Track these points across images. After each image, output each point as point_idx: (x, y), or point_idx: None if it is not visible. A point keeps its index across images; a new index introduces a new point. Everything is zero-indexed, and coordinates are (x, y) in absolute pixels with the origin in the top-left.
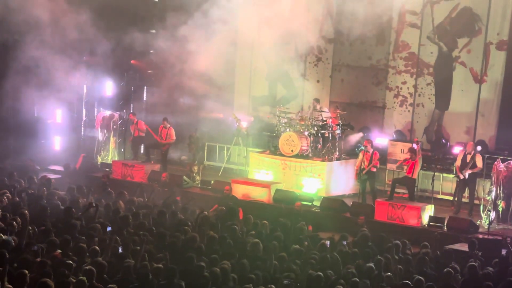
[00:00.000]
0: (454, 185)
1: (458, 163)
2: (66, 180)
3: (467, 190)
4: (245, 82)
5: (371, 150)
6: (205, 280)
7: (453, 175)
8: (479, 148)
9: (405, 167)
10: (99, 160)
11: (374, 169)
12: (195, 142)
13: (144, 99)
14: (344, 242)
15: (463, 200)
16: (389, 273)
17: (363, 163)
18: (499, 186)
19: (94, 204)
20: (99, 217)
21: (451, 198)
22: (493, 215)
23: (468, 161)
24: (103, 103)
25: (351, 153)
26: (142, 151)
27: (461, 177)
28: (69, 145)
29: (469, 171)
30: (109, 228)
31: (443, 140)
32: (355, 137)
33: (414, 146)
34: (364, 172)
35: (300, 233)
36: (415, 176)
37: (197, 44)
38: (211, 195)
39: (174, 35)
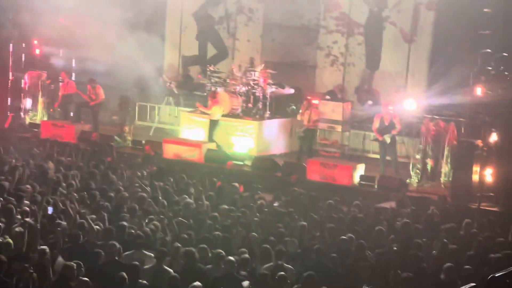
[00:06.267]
0: None
1: (376, 126)
2: None
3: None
4: (175, 42)
5: (310, 109)
6: (137, 239)
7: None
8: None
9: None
10: (27, 120)
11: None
12: (125, 102)
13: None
14: (276, 203)
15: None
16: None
17: (302, 121)
18: (428, 144)
19: (21, 164)
20: (28, 178)
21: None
22: (422, 173)
23: (386, 123)
24: (31, 62)
25: (282, 112)
26: (72, 111)
27: (381, 139)
28: None
29: (391, 135)
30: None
31: (370, 102)
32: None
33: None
34: (302, 130)
35: (232, 192)
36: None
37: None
38: (142, 154)
39: None
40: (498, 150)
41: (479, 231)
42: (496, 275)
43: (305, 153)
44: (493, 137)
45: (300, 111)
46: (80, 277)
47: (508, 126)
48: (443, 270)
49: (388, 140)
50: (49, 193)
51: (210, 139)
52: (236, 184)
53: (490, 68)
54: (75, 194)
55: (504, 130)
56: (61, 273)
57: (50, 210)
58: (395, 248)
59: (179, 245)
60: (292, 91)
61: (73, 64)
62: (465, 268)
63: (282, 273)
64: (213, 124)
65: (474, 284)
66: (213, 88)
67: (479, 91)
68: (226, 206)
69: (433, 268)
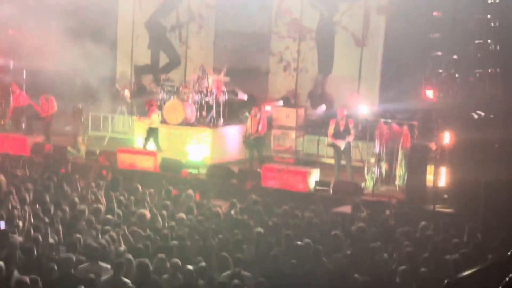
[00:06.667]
0: None
1: (331, 131)
2: None
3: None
4: (127, 51)
5: (259, 116)
6: (93, 251)
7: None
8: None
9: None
10: None
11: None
12: (78, 113)
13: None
14: (232, 211)
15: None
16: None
17: (251, 129)
18: (382, 148)
19: None
20: None
21: None
22: (377, 176)
23: (341, 129)
24: None
25: (236, 120)
26: (23, 123)
27: (338, 145)
28: None
29: (346, 140)
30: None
31: (323, 106)
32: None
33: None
34: (251, 138)
35: (188, 201)
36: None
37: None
38: (97, 165)
39: None
40: (451, 152)
41: (435, 233)
42: (452, 280)
43: (256, 160)
44: (446, 140)
45: (249, 118)
46: None
47: (460, 128)
48: (398, 273)
49: (342, 146)
50: (2, 207)
51: (146, 145)
52: (191, 192)
53: (441, 71)
54: (28, 208)
55: (456, 132)
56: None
57: (2, 224)
58: (348, 252)
59: (130, 257)
60: (245, 97)
61: (24, 76)
62: (421, 271)
63: (237, 281)
64: (152, 132)
65: None
66: (166, 97)
67: (430, 94)
68: (182, 215)
69: (389, 272)
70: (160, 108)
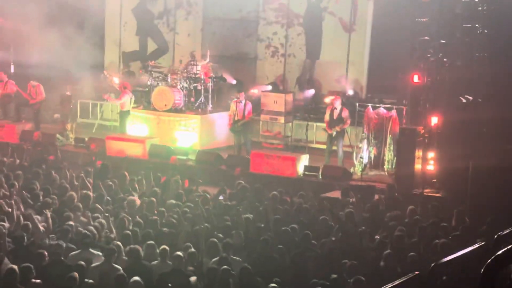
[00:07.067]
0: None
1: (327, 118)
2: None
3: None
4: (115, 38)
5: (244, 101)
6: (83, 238)
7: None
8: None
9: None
10: None
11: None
12: (67, 100)
13: (11, 56)
14: (221, 197)
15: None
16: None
17: (236, 115)
18: (371, 133)
19: None
20: None
21: (325, 147)
22: (365, 161)
23: (335, 117)
24: None
25: (224, 106)
26: (12, 111)
27: (330, 132)
28: None
29: (338, 128)
30: None
31: (311, 91)
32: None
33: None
34: (239, 124)
35: (177, 187)
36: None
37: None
38: (86, 152)
39: None
40: (439, 136)
41: (423, 217)
42: (439, 262)
43: (244, 145)
44: (434, 124)
45: (233, 104)
46: (32, 280)
47: (448, 112)
48: (383, 257)
49: (333, 133)
50: None
51: (122, 130)
52: (178, 177)
53: (429, 55)
54: (18, 195)
55: (445, 116)
56: (5, 276)
57: None
58: (333, 239)
59: (119, 243)
60: (234, 81)
61: (11, 63)
62: (410, 255)
63: (226, 266)
64: (124, 115)
65: (417, 272)
66: (154, 83)
67: (419, 77)
68: (173, 201)
69: (377, 256)
70: (149, 94)
